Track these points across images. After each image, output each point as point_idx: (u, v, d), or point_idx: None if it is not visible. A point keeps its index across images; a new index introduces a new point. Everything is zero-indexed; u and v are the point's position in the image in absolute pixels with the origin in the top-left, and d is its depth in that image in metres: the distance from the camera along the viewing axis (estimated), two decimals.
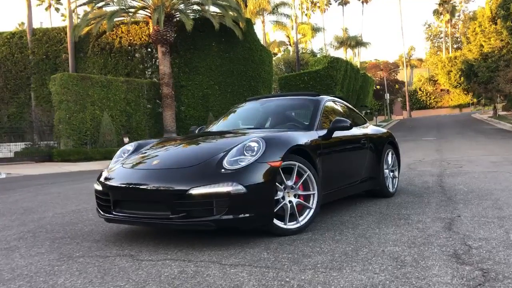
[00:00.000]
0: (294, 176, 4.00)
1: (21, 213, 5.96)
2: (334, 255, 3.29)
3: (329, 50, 58.67)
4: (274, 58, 37.52)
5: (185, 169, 3.75)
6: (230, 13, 21.35)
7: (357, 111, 6.24)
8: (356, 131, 5.43)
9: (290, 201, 3.96)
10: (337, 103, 5.70)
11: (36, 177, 12.70)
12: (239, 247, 3.59)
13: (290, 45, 50.67)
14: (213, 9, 22.08)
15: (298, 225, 3.98)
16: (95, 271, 3.13)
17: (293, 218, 3.98)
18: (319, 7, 59.38)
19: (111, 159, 4.81)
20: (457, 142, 17.26)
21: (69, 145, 19.29)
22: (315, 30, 50.81)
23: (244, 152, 3.78)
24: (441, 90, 64.29)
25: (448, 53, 59.85)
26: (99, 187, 4.09)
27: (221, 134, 4.79)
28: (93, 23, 21.52)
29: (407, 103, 62.42)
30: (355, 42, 59.07)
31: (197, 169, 3.71)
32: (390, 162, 6.06)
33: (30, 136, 21.78)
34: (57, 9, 53.03)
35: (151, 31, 21.39)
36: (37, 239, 4.26)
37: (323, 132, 4.67)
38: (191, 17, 21.46)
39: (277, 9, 40.27)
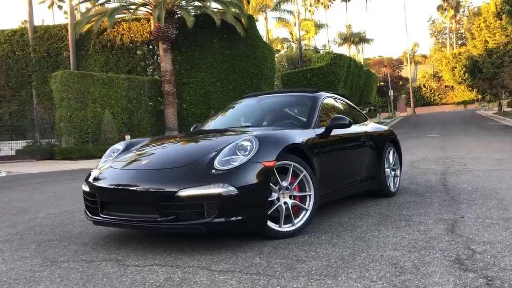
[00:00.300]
0: (290, 177, 3.82)
1: (13, 214, 5.82)
2: (330, 260, 3.12)
3: (333, 47, 58.32)
4: (277, 55, 37.30)
5: (174, 170, 3.58)
6: (232, 9, 21.15)
7: (357, 108, 6.05)
8: (355, 129, 5.25)
9: (285, 203, 3.79)
10: (336, 100, 5.52)
11: (35, 175, 12.58)
12: (231, 251, 3.43)
13: (293, 42, 50.39)
14: (214, 5, 21.92)
15: (293, 227, 3.81)
16: (77, 278, 2.97)
17: (288, 220, 3.81)
18: (322, 3, 58.97)
19: None
20: (461, 139, 17.03)
21: (70, 143, 19.18)
22: (318, 26, 50.48)
23: (237, 151, 3.61)
24: (446, 86, 63.88)
25: (453, 49, 59.41)
26: (87, 188, 3.93)
27: (214, 132, 4.62)
28: (94, 20, 21.38)
29: (411, 99, 62.03)
30: (359, 39, 58.72)
31: (187, 169, 3.54)
32: (391, 160, 5.88)
33: (32, 134, 21.69)
34: (59, 7, 52.86)
35: (152, 28, 21.23)
36: (24, 242, 4.11)
37: (320, 130, 4.50)
38: (192, 13, 21.25)
39: (280, 5, 40.05)
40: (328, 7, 59.20)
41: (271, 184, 3.67)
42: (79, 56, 23.90)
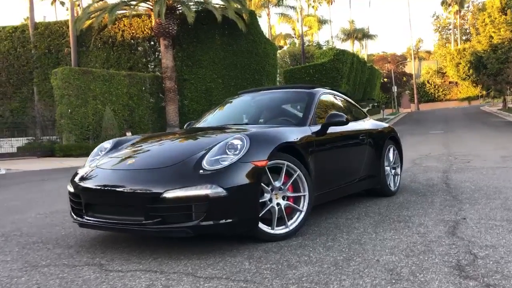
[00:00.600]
0: (283, 176, 3.65)
1: (3, 213, 5.69)
2: (323, 265, 2.95)
3: (336, 43, 57.99)
4: (279, 51, 37.07)
5: (160, 170, 3.41)
6: (233, 4, 20.93)
7: (356, 104, 5.87)
8: (354, 126, 5.07)
9: (278, 204, 3.62)
10: (334, 96, 5.33)
11: (35, 173, 12.46)
12: (219, 256, 3.26)
13: (296, 37, 50.13)
14: (216, 1, 21.71)
15: (286, 229, 3.64)
16: (55, 285, 2.82)
17: (281, 222, 3.64)
18: None
19: None
20: (465, 135, 16.81)
21: (71, 140, 19.05)
22: (322, 22, 50.23)
23: (227, 150, 3.44)
24: (450, 82, 63.46)
25: (457, 45, 58.98)
26: (71, 189, 3.78)
27: (206, 130, 4.44)
28: (94, 17, 21.20)
29: (415, 96, 61.71)
30: (362, 35, 58.37)
31: (173, 170, 3.37)
32: (391, 158, 5.70)
33: (33, 131, 21.60)
34: (62, 3, 52.68)
35: (153, 24, 21.05)
36: (8, 244, 3.96)
37: (317, 128, 4.32)
38: (193, 9, 21.06)
39: (283, 1, 39.78)
40: (332, 3, 58.80)
41: (263, 184, 3.51)
42: (80, 52, 23.75)
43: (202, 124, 5.09)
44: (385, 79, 56.74)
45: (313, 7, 58.40)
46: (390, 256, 3.07)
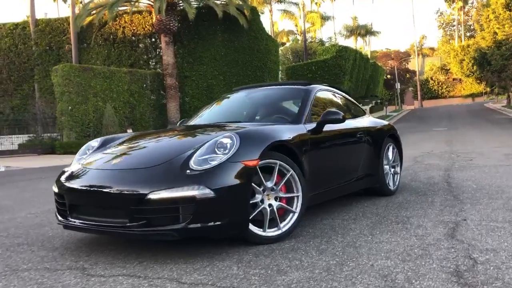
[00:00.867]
0: (275, 176, 3.51)
1: None
2: (314, 271, 2.81)
3: (339, 39, 57.67)
4: (281, 48, 36.87)
5: (145, 170, 3.27)
6: (235, 1, 20.75)
7: (355, 102, 5.71)
8: (351, 124, 4.91)
9: (270, 205, 3.47)
10: (331, 93, 5.17)
11: (34, 170, 12.37)
12: (208, 260, 3.12)
13: (298, 34, 49.86)
14: None
15: (279, 232, 3.50)
16: None
17: (273, 224, 3.49)
18: None
19: None
20: (468, 133, 16.63)
21: (71, 137, 18.96)
22: (324, 18, 49.94)
23: (216, 149, 3.29)
24: (453, 79, 63.07)
25: (461, 41, 58.53)
26: (56, 189, 3.64)
27: (197, 128, 4.30)
28: (94, 13, 21.08)
29: (419, 92, 61.37)
30: (365, 31, 58.06)
31: (159, 169, 3.22)
32: (390, 157, 5.54)
33: (34, 128, 21.51)
34: (64, 0, 52.59)
35: (154, 20, 20.91)
36: None
37: (312, 126, 4.16)
38: (194, 5, 20.89)
39: None
40: None
41: (254, 185, 3.36)
42: (81, 49, 23.62)
43: (195, 121, 4.94)
44: (388, 76, 56.38)
45: (316, 3, 58.06)
46: (385, 261, 2.93)
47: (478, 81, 44.34)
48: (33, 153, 18.85)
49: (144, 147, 3.81)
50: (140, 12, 22.96)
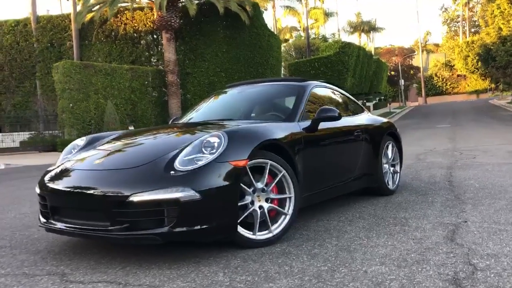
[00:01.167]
0: (266, 177, 3.35)
1: None
2: (304, 278, 2.65)
3: (343, 36, 57.44)
4: (284, 44, 36.65)
5: (128, 171, 3.11)
6: None
7: (353, 98, 5.53)
8: (348, 121, 4.75)
9: (260, 207, 3.32)
10: (328, 89, 5.00)
11: (34, 168, 12.26)
12: (193, 265, 2.97)
13: (301, 31, 49.57)
14: None
15: (270, 235, 3.34)
16: None
17: (264, 226, 3.34)
18: None
19: None
20: (472, 129, 16.40)
21: (72, 135, 18.83)
22: (328, 15, 49.60)
23: (203, 149, 3.14)
24: (458, 75, 62.68)
25: (466, 37, 58.14)
26: (38, 190, 3.49)
27: (186, 126, 4.14)
28: (95, 10, 20.94)
29: (423, 89, 61.08)
30: (369, 27, 57.74)
31: (143, 170, 3.07)
32: (390, 155, 5.37)
33: (36, 126, 21.44)
34: None
35: (155, 17, 20.75)
36: None
37: (306, 124, 4.00)
38: (195, 1, 20.72)
39: None
40: None
41: (243, 186, 3.21)
42: (82, 46, 23.50)
43: (185, 119, 4.78)
44: (392, 72, 56.12)
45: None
46: (380, 267, 2.77)
47: (483, 78, 44.04)
48: (35, 151, 18.79)
49: (130, 146, 3.66)
50: (141, 9, 22.82)
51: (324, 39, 45.61)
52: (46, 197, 3.34)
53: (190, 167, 3.01)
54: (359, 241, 3.37)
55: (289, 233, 3.58)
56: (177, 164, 3.04)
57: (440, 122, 21.95)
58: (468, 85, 63.31)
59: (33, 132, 20.73)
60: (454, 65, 55.74)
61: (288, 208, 3.47)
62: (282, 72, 28.04)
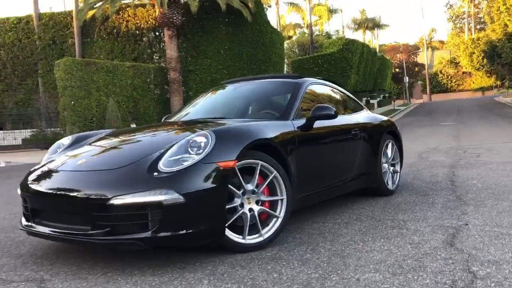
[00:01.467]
0: (256, 178, 3.20)
1: None
2: (292, 286, 2.50)
3: (347, 33, 57.01)
4: (288, 41, 36.43)
5: (110, 172, 2.97)
6: None
7: (352, 96, 5.36)
8: (345, 119, 4.58)
9: (250, 210, 3.17)
10: (325, 86, 4.82)
11: (34, 165, 12.14)
12: (178, 271, 2.83)
13: (305, 27, 49.31)
14: None
15: (260, 239, 3.19)
16: None
17: (254, 230, 3.19)
18: None
19: None
20: (477, 127, 16.18)
21: (74, 132, 18.72)
22: (332, 11, 49.32)
23: (189, 149, 2.99)
24: (463, 73, 62.18)
25: (471, 34, 57.68)
26: (19, 191, 3.36)
27: (174, 125, 3.99)
28: (96, 7, 20.82)
29: (427, 86, 60.65)
30: (373, 24, 57.35)
31: (125, 171, 2.92)
32: (389, 155, 5.20)
33: (38, 123, 21.37)
34: None
35: (157, 14, 20.61)
36: None
37: (301, 122, 3.84)
38: None
39: None
40: None
41: (232, 187, 3.06)
42: (84, 43, 23.38)
43: (177, 117, 4.64)
44: (397, 70, 55.75)
45: None
46: (373, 274, 2.62)
47: (488, 75, 43.66)
48: (36, 148, 18.72)
49: (115, 146, 3.50)
50: (143, 6, 22.67)
51: (328, 36, 45.33)
52: (26, 199, 3.20)
53: (174, 168, 2.87)
54: (354, 245, 3.22)
55: (282, 236, 3.44)
56: (161, 165, 2.89)
57: (445, 120, 21.71)
58: (473, 82, 62.81)
59: (35, 129, 20.65)
60: (459, 62, 55.29)
61: (280, 211, 3.32)
62: (285, 69, 27.81)
